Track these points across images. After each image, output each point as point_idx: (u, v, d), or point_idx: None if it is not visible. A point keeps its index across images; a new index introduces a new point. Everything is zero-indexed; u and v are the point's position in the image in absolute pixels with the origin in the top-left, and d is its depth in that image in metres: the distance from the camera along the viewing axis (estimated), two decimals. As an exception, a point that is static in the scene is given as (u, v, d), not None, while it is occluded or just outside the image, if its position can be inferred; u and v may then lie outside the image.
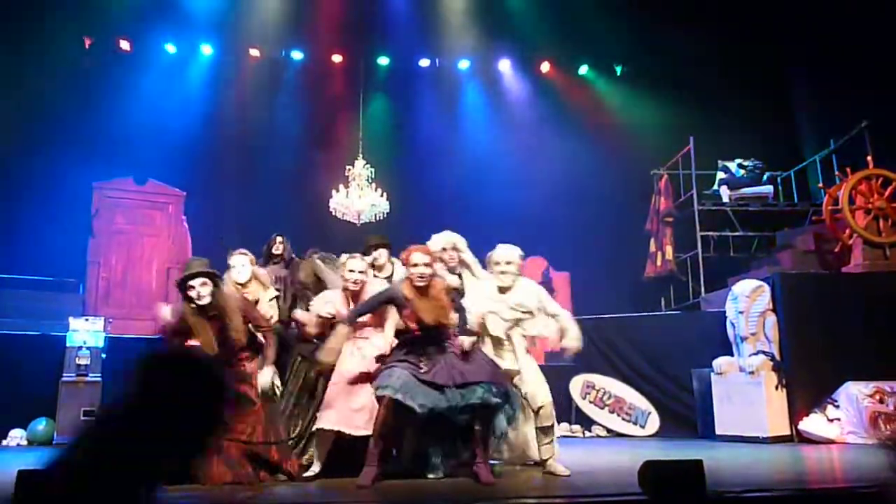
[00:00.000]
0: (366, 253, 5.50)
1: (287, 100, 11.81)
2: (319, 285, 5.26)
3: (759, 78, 11.06)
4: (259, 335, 4.73)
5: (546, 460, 4.76)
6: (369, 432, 4.34)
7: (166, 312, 4.82)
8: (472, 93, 12.60)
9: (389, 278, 5.45)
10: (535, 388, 4.82)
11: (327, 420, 4.51)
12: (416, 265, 4.42)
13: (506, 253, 4.96)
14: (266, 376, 4.61)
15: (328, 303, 4.78)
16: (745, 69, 10.98)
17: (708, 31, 10.90)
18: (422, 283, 4.41)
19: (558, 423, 8.32)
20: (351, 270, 4.76)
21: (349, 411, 4.48)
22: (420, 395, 4.17)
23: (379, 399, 4.26)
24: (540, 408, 4.78)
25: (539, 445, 4.81)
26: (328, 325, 4.75)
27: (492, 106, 12.46)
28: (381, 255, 5.53)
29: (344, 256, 5.03)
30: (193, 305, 4.42)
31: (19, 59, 9.68)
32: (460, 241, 5.11)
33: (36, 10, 9.85)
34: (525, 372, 4.88)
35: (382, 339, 4.62)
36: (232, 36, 11.55)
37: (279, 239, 6.23)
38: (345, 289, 4.81)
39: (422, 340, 4.41)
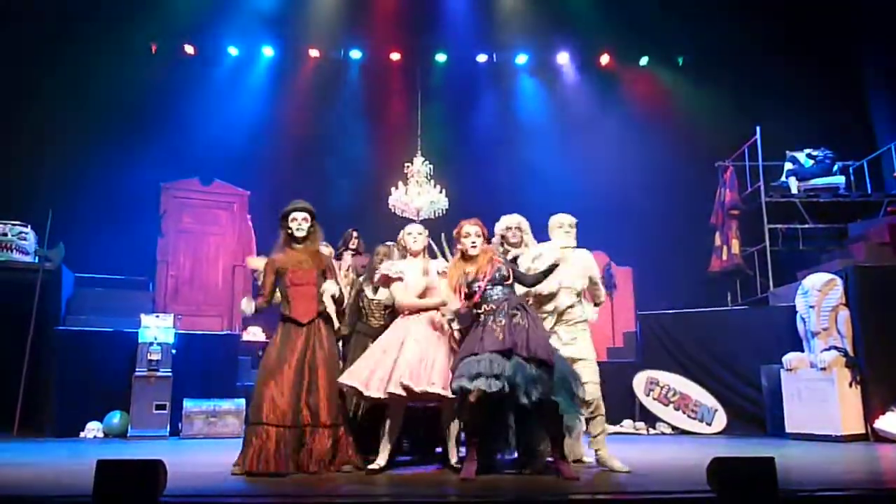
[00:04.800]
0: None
1: (346, 99, 11.98)
2: None
3: (828, 64, 10.69)
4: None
5: (598, 451, 4.70)
6: (444, 392, 4.33)
7: (257, 263, 5.19)
8: (529, 87, 12.54)
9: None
10: (590, 377, 4.77)
11: (397, 381, 4.34)
12: (468, 235, 4.60)
13: (567, 216, 5.20)
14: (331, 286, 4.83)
15: (399, 271, 4.87)
16: (812, 55, 10.63)
17: (771, 16, 10.59)
18: (474, 252, 4.57)
19: (621, 421, 8.31)
20: (409, 234, 4.96)
21: (422, 371, 4.37)
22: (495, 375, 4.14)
23: (465, 393, 4.17)
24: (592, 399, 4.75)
25: (592, 437, 4.77)
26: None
27: (550, 100, 12.38)
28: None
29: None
30: (291, 235, 4.87)
31: (89, 65, 10.06)
32: (525, 223, 5.28)
33: (104, 18, 10.22)
34: (587, 360, 4.86)
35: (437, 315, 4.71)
36: (292, 37, 11.77)
37: (355, 234, 6.87)
38: (412, 254, 4.93)
39: (489, 300, 4.41)
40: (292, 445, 4.41)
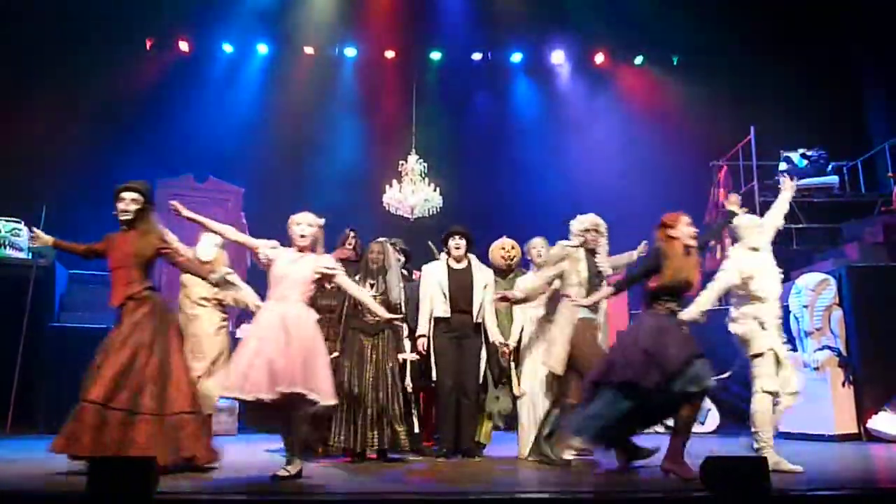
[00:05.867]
0: (445, 241, 5.52)
1: (340, 96, 11.96)
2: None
3: (823, 63, 10.70)
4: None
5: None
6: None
7: None
8: (524, 85, 12.53)
9: (467, 270, 5.43)
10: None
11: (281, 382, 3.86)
12: (689, 224, 4.40)
13: (755, 217, 5.26)
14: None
15: (275, 248, 4.41)
16: (807, 55, 10.64)
17: (767, 15, 10.61)
18: (693, 243, 4.39)
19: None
20: (299, 224, 4.41)
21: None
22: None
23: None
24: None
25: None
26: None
27: (545, 98, 12.38)
28: (461, 245, 5.49)
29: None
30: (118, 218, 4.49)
31: (83, 61, 10.02)
32: (602, 224, 5.07)
33: (100, 14, 10.16)
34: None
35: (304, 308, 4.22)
36: (286, 35, 11.74)
37: (352, 233, 6.69)
38: (299, 247, 4.39)
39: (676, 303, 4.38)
40: (111, 429, 4.06)
